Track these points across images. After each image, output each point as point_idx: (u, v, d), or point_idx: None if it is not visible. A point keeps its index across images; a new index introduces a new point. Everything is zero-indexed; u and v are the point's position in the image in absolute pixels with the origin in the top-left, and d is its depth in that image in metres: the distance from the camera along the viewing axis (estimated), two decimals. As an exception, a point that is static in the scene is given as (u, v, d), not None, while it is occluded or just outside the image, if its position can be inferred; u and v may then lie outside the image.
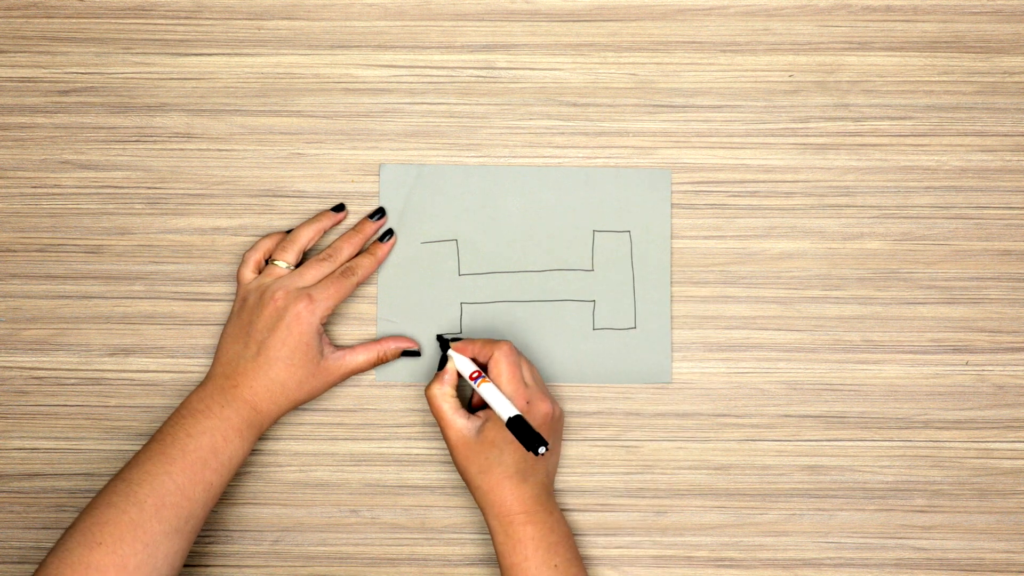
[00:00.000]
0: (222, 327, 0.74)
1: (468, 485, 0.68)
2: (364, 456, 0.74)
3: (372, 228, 0.73)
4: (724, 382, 0.74)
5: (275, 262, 0.71)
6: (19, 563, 0.73)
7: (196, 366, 0.74)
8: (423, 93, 0.76)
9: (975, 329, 0.74)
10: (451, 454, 0.68)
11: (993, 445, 0.73)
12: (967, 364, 0.74)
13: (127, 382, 0.74)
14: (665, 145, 0.75)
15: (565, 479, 0.73)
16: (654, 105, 0.76)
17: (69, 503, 0.74)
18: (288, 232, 0.73)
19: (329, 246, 0.72)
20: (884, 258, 0.74)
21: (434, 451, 0.74)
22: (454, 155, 0.75)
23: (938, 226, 0.75)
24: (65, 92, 0.76)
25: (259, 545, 0.73)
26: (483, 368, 0.69)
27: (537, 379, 0.69)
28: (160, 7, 0.76)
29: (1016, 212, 0.75)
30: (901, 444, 0.73)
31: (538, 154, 0.75)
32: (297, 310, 0.68)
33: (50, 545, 0.73)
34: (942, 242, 0.74)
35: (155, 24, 0.76)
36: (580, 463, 0.73)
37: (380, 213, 0.73)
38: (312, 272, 0.70)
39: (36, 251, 0.75)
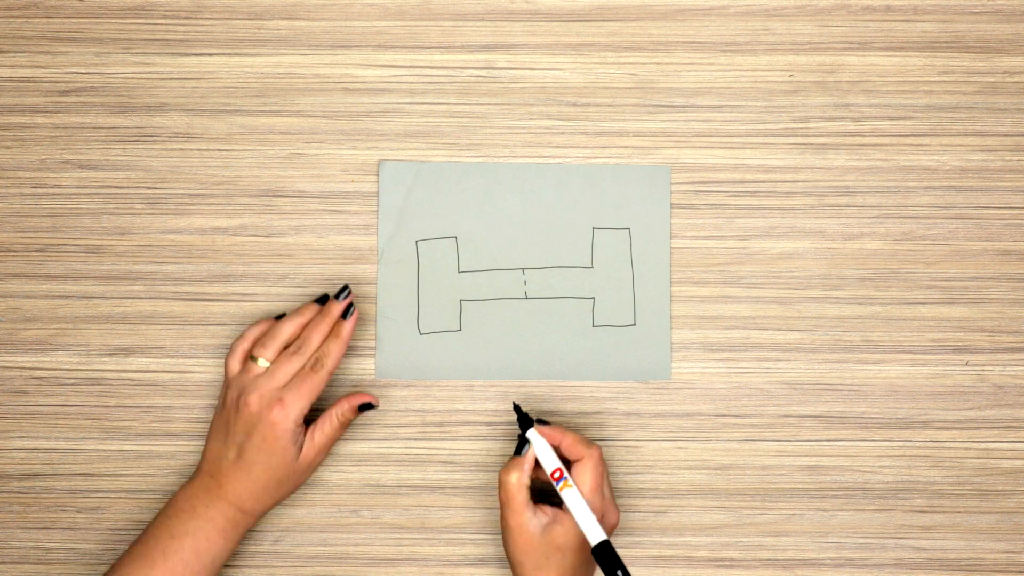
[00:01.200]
0: (218, 326, 0.74)
1: (515, 571, 0.66)
2: (364, 456, 0.74)
3: (339, 308, 0.71)
4: (724, 382, 0.74)
5: (255, 359, 0.69)
6: (19, 563, 0.73)
7: (196, 366, 0.74)
8: (423, 93, 0.76)
9: (975, 329, 0.74)
10: (507, 540, 0.66)
11: (993, 445, 0.73)
12: (967, 364, 0.74)
13: (127, 382, 0.74)
14: (665, 145, 0.75)
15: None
16: (654, 105, 0.76)
17: (69, 503, 0.74)
18: (278, 317, 0.72)
19: (299, 337, 0.70)
20: (884, 258, 0.74)
21: (434, 451, 0.74)
22: (454, 155, 0.75)
23: (938, 226, 0.75)
24: (65, 92, 0.76)
25: (259, 545, 0.73)
26: (564, 462, 0.67)
27: (610, 487, 0.68)
28: (160, 7, 0.76)
29: (1016, 212, 0.75)
30: (901, 444, 0.73)
31: (538, 154, 0.75)
32: (271, 418, 0.67)
33: (50, 545, 0.73)
34: (942, 242, 0.74)
35: (155, 24, 0.76)
36: (580, 463, 0.73)
37: (345, 290, 0.72)
38: (284, 369, 0.68)
39: (36, 251, 0.75)
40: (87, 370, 0.74)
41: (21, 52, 0.76)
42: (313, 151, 0.76)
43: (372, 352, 0.74)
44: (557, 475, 0.66)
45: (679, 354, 0.74)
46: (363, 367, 0.74)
